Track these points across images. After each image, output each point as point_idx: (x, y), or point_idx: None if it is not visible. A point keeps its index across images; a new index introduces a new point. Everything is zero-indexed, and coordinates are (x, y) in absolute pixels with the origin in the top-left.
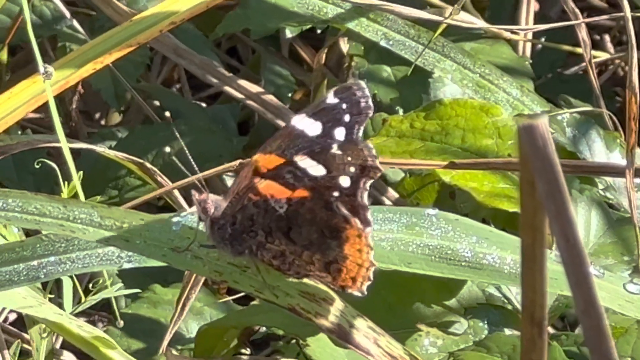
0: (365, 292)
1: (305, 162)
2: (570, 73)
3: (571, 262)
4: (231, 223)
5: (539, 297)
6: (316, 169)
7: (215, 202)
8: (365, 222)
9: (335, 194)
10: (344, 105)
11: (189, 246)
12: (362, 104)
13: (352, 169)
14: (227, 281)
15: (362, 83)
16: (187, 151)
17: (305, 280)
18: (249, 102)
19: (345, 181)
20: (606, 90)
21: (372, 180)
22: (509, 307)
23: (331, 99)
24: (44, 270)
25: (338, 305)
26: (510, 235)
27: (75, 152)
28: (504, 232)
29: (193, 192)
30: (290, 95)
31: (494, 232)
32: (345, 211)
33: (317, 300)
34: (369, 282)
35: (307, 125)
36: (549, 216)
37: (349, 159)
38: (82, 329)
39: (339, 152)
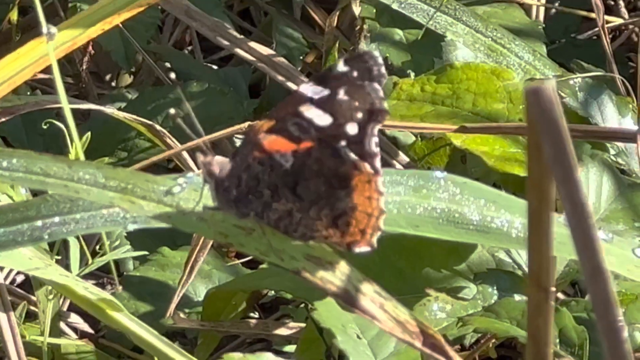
0: (375, 246)
1: (311, 112)
2: (584, 38)
3: (578, 226)
4: (236, 184)
5: (545, 262)
6: (322, 118)
7: (220, 164)
8: (375, 170)
9: (343, 142)
10: (355, 73)
11: (195, 208)
12: (375, 72)
13: (360, 115)
14: (233, 244)
15: (375, 52)
16: (192, 114)
17: (312, 243)
18: (260, 64)
19: (352, 128)
20: (619, 55)
21: (379, 125)
22: (519, 272)
23: (342, 67)
24: (48, 231)
25: (344, 269)
26: (519, 199)
27: (84, 113)
28: (513, 196)
29: (198, 154)
30: (302, 57)
31: (503, 196)
32: (354, 156)
33: (323, 264)
34: (380, 233)
35: (316, 92)
36: (556, 180)
37: (356, 103)
38: (88, 290)
39: (346, 97)
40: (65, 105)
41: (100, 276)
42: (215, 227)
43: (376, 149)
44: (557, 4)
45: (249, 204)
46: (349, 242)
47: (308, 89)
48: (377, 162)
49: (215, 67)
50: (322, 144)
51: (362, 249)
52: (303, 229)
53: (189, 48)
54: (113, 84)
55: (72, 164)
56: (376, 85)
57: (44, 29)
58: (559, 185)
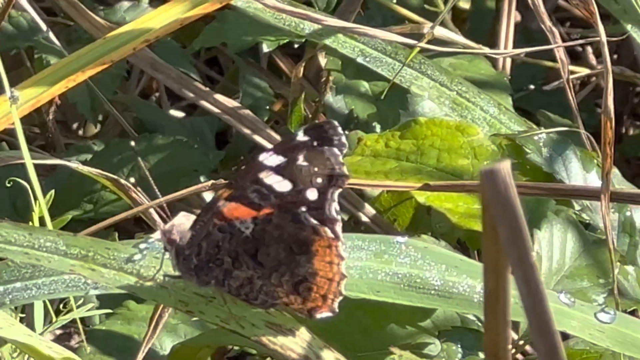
0: (337, 310)
1: (271, 178)
2: (550, 88)
3: (533, 309)
4: (197, 253)
5: (502, 340)
6: (282, 184)
7: (180, 232)
8: (335, 235)
9: (303, 208)
10: (315, 143)
11: (155, 276)
12: (335, 142)
13: (319, 180)
14: (193, 312)
15: (334, 122)
16: (149, 175)
17: (273, 310)
18: (226, 116)
19: (312, 194)
20: (588, 103)
21: (339, 190)
22: (483, 330)
23: (301, 136)
24: (10, 296)
25: (305, 336)
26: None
27: (51, 166)
28: (474, 261)
29: (158, 222)
30: (267, 107)
31: (464, 261)
32: (314, 221)
33: (283, 331)
34: (341, 298)
35: (275, 161)
36: (510, 262)
37: (316, 169)
38: (52, 349)
39: (305, 163)
40: (29, 163)
41: (67, 326)
42: (176, 296)
43: (336, 215)
44: (522, 54)
45: (210, 272)
46: (310, 307)
47: (268, 158)
48: (338, 227)
49: (182, 114)
50: (282, 210)
51: (323, 314)
52: (264, 296)
53: (157, 94)
54: (80, 132)
55: (32, 231)
56: (335, 149)
57: (8, 93)
58: (514, 267)
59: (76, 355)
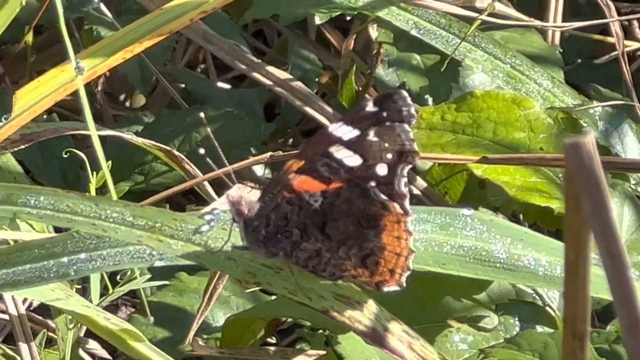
0: (404, 285)
1: (341, 153)
2: (601, 62)
3: (616, 280)
4: (265, 224)
5: (582, 312)
6: (352, 159)
7: (248, 203)
8: (404, 211)
9: (372, 183)
10: (385, 114)
11: (223, 247)
12: (404, 113)
13: (389, 156)
14: (261, 283)
15: (404, 92)
16: (215, 142)
17: (340, 282)
18: (277, 88)
19: (382, 169)
20: (636, 78)
21: (410, 166)
22: (540, 302)
23: (371, 107)
24: (74, 267)
25: (372, 308)
26: (545, 236)
27: (101, 137)
28: (539, 234)
29: (227, 193)
30: (316, 79)
31: (529, 234)
32: (383, 196)
33: (351, 303)
34: (409, 272)
35: (345, 132)
36: (594, 233)
37: (386, 144)
38: (109, 321)
39: (376, 138)
40: (94, 134)
41: (115, 299)
42: (244, 267)
43: (405, 190)
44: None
45: (278, 244)
46: (378, 281)
47: (338, 129)
48: (406, 203)
49: (229, 86)
50: (352, 184)
51: (391, 288)
52: (332, 268)
53: (202, 67)
54: (127, 104)
55: (99, 202)
56: (406, 126)
57: (73, 63)
58: (597, 239)
59: (132, 324)
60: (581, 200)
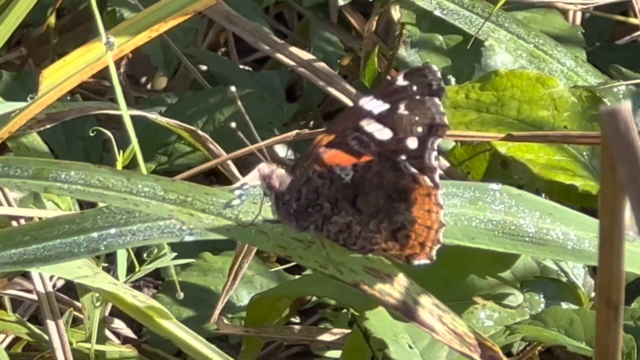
0: (434, 258)
1: (372, 126)
2: (623, 43)
3: None
4: (296, 198)
5: (616, 281)
6: (382, 132)
7: (279, 177)
8: (434, 184)
9: (403, 156)
10: (415, 88)
11: (254, 221)
12: (434, 86)
13: (420, 129)
14: (292, 256)
15: (434, 66)
16: (247, 118)
17: (370, 256)
18: (300, 69)
19: (412, 142)
20: None
21: (440, 140)
22: (564, 279)
23: (401, 81)
24: (105, 242)
25: (402, 281)
26: (574, 211)
27: (121, 118)
28: (568, 208)
29: (259, 167)
30: (338, 61)
31: (558, 208)
32: (413, 170)
33: (381, 276)
34: (439, 246)
35: (376, 106)
36: (630, 201)
37: (417, 118)
38: (136, 299)
39: (406, 112)
40: (125, 113)
41: (136, 279)
42: (275, 240)
43: (436, 163)
44: (591, 7)
45: (309, 217)
46: (408, 255)
47: (368, 103)
48: (437, 176)
49: (250, 69)
50: (382, 157)
51: (421, 261)
52: (362, 241)
53: (223, 50)
54: (148, 86)
55: (130, 176)
56: (436, 99)
57: (104, 39)
58: (634, 207)
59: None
60: (617, 168)
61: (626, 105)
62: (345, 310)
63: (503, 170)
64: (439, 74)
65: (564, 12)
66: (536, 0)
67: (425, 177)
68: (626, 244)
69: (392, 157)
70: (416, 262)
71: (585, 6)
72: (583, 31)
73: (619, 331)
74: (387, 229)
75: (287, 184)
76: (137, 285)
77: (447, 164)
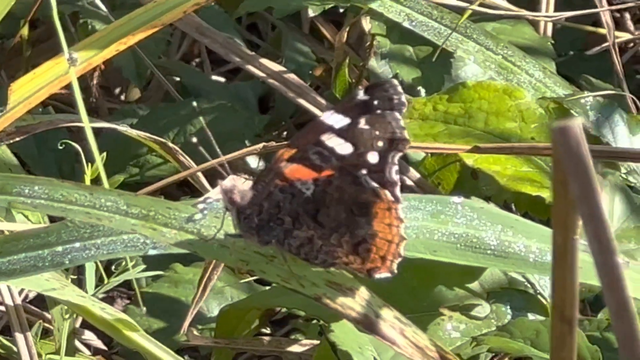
0: (396, 271)
1: (333, 141)
2: (593, 54)
3: (604, 265)
4: (258, 212)
5: (569, 296)
6: (343, 147)
7: (241, 192)
8: (395, 198)
9: (364, 171)
10: (376, 102)
11: (216, 235)
12: (395, 101)
13: (380, 143)
14: (254, 270)
15: (395, 81)
16: (209, 133)
17: (333, 269)
18: (271, 80)
19: (373, 157)
20: (627, 68)
21: (400, 154)
22: (531, 291)
23: (362, 95)
24: (69, 256)
25: (364, 294)
26: (536, 223)
27: (96, 130)
28: (530, 221)
29: (219, 182)
30: (310, 72)
31: (520, 221)
32: (374, 184)
33: (343, 290)
34: (400, 260)
35: (337, 121)
36: (581, 218)
37: (377, 132)
38: (105, 311)
39: (367, 126)
40: (88, 127)
41: (109, 290)
42: (237, 255)
43: (396, 177)
44: (563, 18)
45: (271, 231)
46: (370, 268)
47: (329, 117)
48: (397, 190)
49: (223, 80)
50: (343, 172)
51: (382, 275)
52: (324, 255)
53: (197, 60)
54: (122, 97)
55: (93, 191)
56: (397, 114)
57: (66, 55)
58: (585, 222)
59: (127, 314)
60: (569, 184)
61: (577, 121)
62: (315, 321)
63: (473, 181)
64: (399, 89)
65: (535, 23)
66: (504, 13)
67: (386, 191)
68: (586, 257)
69: (353, 172)
70: (377, 276)
71: (554, 18)
72: (553, 42)
73: (574, 345)
74: (348, 243)
75: (249, 198)
76: (110, 296)
77: (418, 175)
